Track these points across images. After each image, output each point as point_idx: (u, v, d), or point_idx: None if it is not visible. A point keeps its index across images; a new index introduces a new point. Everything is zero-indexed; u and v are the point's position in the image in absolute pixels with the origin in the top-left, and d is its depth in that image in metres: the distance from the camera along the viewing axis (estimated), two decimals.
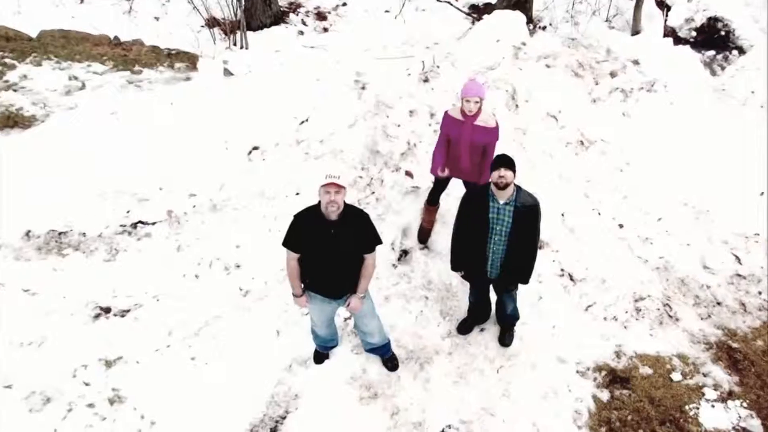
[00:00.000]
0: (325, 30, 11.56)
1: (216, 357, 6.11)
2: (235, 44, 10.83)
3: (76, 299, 6.51)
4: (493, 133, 6.01)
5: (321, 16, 11.88)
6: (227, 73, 9.26)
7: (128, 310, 6.48)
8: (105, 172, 7.73)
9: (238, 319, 6.40)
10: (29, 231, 7.15)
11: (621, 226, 7.21)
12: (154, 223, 7.24)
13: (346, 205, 5.03)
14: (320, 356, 6.07)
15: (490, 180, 5.14)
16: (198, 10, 11.49)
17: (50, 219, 7.23)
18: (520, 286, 5.73)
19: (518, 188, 5.26)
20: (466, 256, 5.54)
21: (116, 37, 10.73)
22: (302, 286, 5.36)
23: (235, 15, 10.90)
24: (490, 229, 5.27)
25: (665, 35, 10.86)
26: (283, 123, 7.50)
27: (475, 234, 5.34)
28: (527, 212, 5.20)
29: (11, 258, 6.89)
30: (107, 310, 6.48)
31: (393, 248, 6.70)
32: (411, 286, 6.49)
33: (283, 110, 7.64)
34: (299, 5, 12.18)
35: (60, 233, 7.11)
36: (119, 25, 11.54)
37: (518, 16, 9.32)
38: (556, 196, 7.17)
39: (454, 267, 5.71)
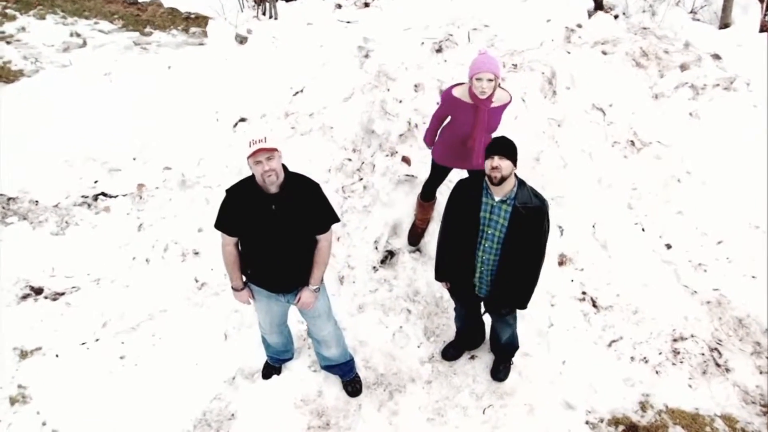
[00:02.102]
0: (366, 5, 10.67)
1: (149, 358, 5.31)
2: (264, 14, 10.14)
3: (7, 275, 5.85)
4: (506, 108, 5.05)
5: None
6: (240, 39, 8.47)
7: (62, 294, 5.76)
8: (79, 136, 7.09)
9: (185, 315, 5.59)
10: None
11: (669, 246, 6.03)
12: (116, 196, 6.46)
13: (289, 174, 4.14)
14: (270, 370, 5.18)
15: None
16: None
17: (4, 182, 6.56)
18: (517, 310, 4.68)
19: (521, 183, 4.23)
20: (452, 264, 4.54)
21: None
22: (243, 278, 4.48)
23: None
24: (480, 232, 4.28)
25: (762, 30, 9.52)
26: (277, 93, 6.65)
27: (462, 237, 4.35)
28: (528, 216, 4.16)
29: None
30: (38, 291, 5.76)
31: (376, 247, 5.73)
32: (392, 296, 5.51)
33: (281, 80, 6.79)
34: None
35: (9, 199, 6.49)
36: None
37: None
38: (589, 203, 6.08)
39: (438, 276, 4.74)
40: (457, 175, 5.32)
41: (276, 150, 3.98)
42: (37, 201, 6.49)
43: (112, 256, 6.00)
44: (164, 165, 6.74)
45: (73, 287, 5.81)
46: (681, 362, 5.32)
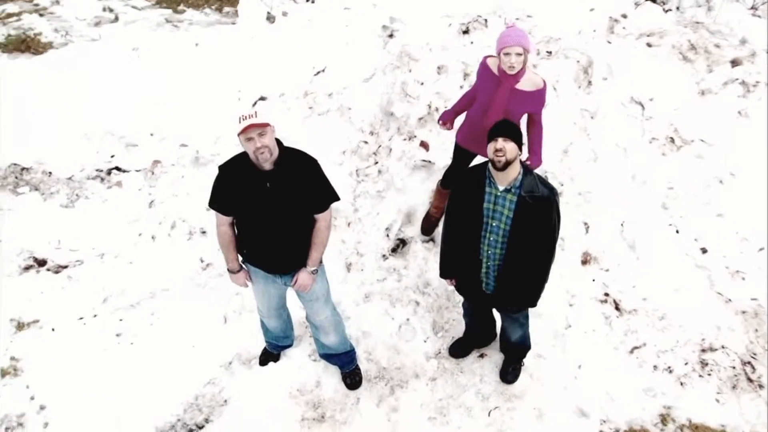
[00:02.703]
0: None
1: (146, 337, 5.18)
2: None
3: (12, 246, 5.77)
4: (539, 96, 4.70)
5: None
6: (270, 18, 8.31)
7: (65, 266, 5.66)
8: (100, 110, 6.99)
9: (187, 295, 5.44)
10: None
11: (704, 251, 5.67)
12: (128, 171, 6.35)
13: (284, 149, 3.93)
14: (268, 356, 5.00)
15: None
16: None
17: (22, 152, 6.52)
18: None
19: (526, 170, 3.92)
20: (456, 259, 4.27)
21: None
22: (239, 258, 4.29)
23: None
24: (485, 225, 3.99)
25: None
26: (299, 73, 6.46)
27: (466, 230, 4.08)
28: (535, 206, 3.85)
29: None
30: (41, 263, 5.68)
31: (387, 235, 5.49)
32: (401, 286, 5.27)
33: (304, 59, 6.60)
34: None
35: (23, 169, 6.40)
36: None
37: None
38: (619, 200, 5.75)
39: (443, 273, 4.47)
40: None
41: (268, 125, 3.77)
42: (50, 172, 6.41)
43: (119, 232, 5.89)
44: (181, 142, 6.60)
45: (77, 261, 5.71)
46: (709, 374, 4.97)
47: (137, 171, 6.40)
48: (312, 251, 4.20)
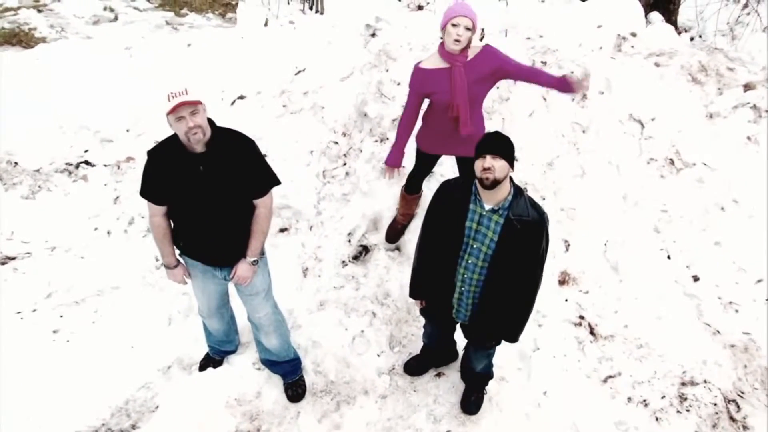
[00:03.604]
0: (420, 8, 10.32)
1: (84, 336, 4.93)
2: (311, 8, 9.92)
3: None
4: (491, 53, 4.43)
5: None
6: (266, 22, 8.18)
7: (13, 258, 5.47)
8: (81, 105, 6.85)
9: (136, 294, 5.21)
10: None
11: (696, 279, 5.30)
12: (95, 166, 6.16)
13: (217, 129, 3.69)
14: (208, 362, 4.69)
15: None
16: None
17: None
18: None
19: (517, 191, 3.59)
20: (429, 280, 3.93)
21: None
22: (176, 253, 4.04)
23: None
24: (464, 245, 3.64)
25: None
26: (281, 73, 6.24)
27: (443, 248, 3.73)
28: (524, 231, 3.50)
29: None
30: None
31: (350, 240, 5.20)
32: (358, 295, 4.96)
33: (287, 59, 6.38)
34: None
35: None
36: None
37: (632, 1, 7.56)
38: (605, 219, 5.42)
39: (413, 293, 4.13)
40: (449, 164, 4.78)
41: (200, 103, 3.55)
42: (16, 163, 6.25)
43: (76, 226, 5.69)
44: (157, 139, 6.39)
45: (27, 253, 5.52)
46: (687, 410, 4.57)
47: (105, 166, 6.22)
48: (251, 240, 3.94)
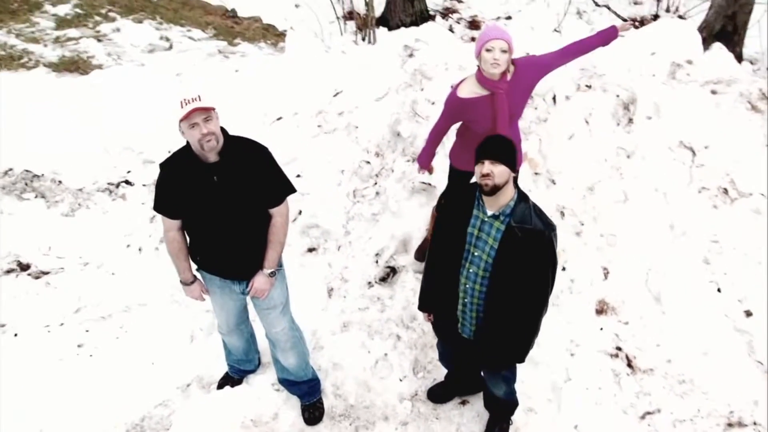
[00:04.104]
0: (473, 40, 10.26)
1: (107, 351, 4.92)
2: (363, 39, 9.96)
3: (1, 248, 5.61)
4: (525, 65, 4.26)
5: (474, 24, 10.67)
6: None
7: (47, 273, 5.53)
8: (126, 127, 6.96)
9: (161, 312, 5.18)
10: (10, 169, 6.45)
11: (749, 314, 4.97)
12: (134, 185, 6.23)
13: (230, 138, 3.63)
14: (227, 380, 4.60)
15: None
16: (340, 1, 10.69)
17: (40, 161, 6.54)
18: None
19: (521, 197, 3.41)
20: (435, 290, 3.78)
21: (233, 10, 10.38)
22: (192, 268, 4.00)
23: (367, 9, 9.98)
24: (466, 252, 3.48)
25: None
26: (321, 95, 6.21)
27: (447, 256, 3.57)
28: (525, 241, 3.31)
29: None
30: (24, 268, 5.58)
31: (377, 261, 5.07)
32: (383, 317, 4.81)
33: (330, 83, 6.36)
34: (455, 11, 11.01)
35: (34, 176, 6.37)
36: (261, 7, 10.94)
37: (689, 28, 7.32)
38: (650, 248, 5.16)
39: (421, 304, 3.97)
40: None
41: (213, 109, 3.51)
42: (60, 181, 6.37)
43: (109, 243, 5.73)
44: None
45: (61, 268, 5.57)
46: None
47: (144, 185, 6.27)
48: (268, 251, 3.85)
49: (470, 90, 4.19)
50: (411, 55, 5.98)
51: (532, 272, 3.36)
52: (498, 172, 3.23)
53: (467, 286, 3.53)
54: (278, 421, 4.38)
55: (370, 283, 4.97)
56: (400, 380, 4.56)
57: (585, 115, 5.61)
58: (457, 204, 3.54)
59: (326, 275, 5.08)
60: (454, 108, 4.27)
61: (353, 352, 4.65)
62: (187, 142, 3.62)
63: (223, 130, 3.63)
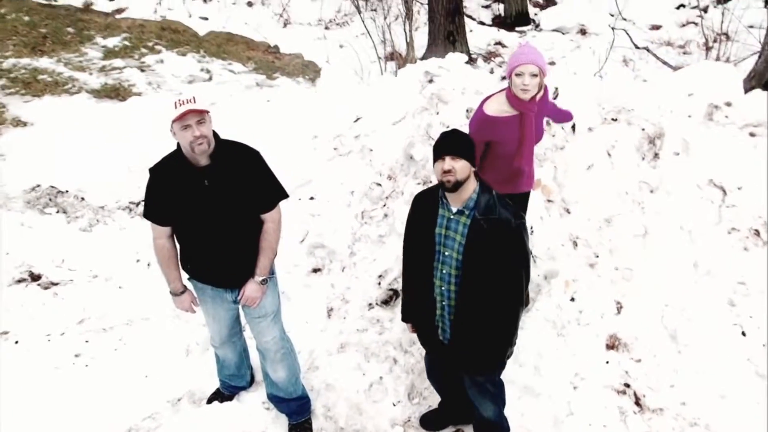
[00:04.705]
0: (503, 79, 10.24)
1: (103, 362, 4.90)
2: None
3: (16, 259, 5.71)
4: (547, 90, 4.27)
5: None
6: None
7: (56, 284, 5.56)
8: (154, 150, 6.99)
9: (161, 326, 5.13)
10: (38, 185, 6.58)
11: None
12: None
13: (221, 141, 3.59)
14: (217, 396, 4.50)
15: None
16: (382, 42, 10.80)
17: (67, 178, 6.67)
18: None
19: (483, 188, 3.34)
20: (413, 298, 3.69)
21: (275, 46, 10.57)
22: (182, 278, 3.97)
23: (407, 50, 10.06)
24: (437, 254, 3.42)
25: None
26: (342, 120, 6.20)
27: (419, 261, 3.52)
28: (492, 232, 3.23)
29: None
30: (35, 278, 5.63)
31: (379, 283, 4.94)
32: (381, 339, 4.66)
33: (353, 110, 6.35)
34: (497, 55, 11.00)
35: (58, 192, 6.48)
36: (304, 45, 11.13)
37: (730, 71, 7.11)
38: (668, 285, 4.93)
39: (403, 314, 3.88)
40: None
41: (207, 112, 3.51)
42: (83, 198, 6.46)
43: (120, 257, 5.75)
44: None
45: (70, 280, 5.59)
46: None
47: None
48: (260, 257, 3.79)
49: (498, 108, 4.12)
50: (431, 81, 5.93)
51: (501, 264, 3.27)
52: (459, 167, 3.19)
53: (442, 288, 3.45)
54: None
55: (371, 304, 4.85)
56: (394, 405, 4.40)
57: (607, 146, 5.45)
58: (421, 206, 3.48)
59: (328, 295, 4.98)
60: (483, 125, 4.14)
61: (348, 374, 4.52)
62: (178, 145, 3.61)
63: (215, 133, 3.61)
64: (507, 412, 4.03)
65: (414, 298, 3.66)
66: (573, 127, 5.55)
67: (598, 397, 4.34)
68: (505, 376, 3.92)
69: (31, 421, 4.41)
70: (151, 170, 3.73)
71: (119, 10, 11.96)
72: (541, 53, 4.02)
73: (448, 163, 3.18)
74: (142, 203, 6.31)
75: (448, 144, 3.23)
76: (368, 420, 4.31)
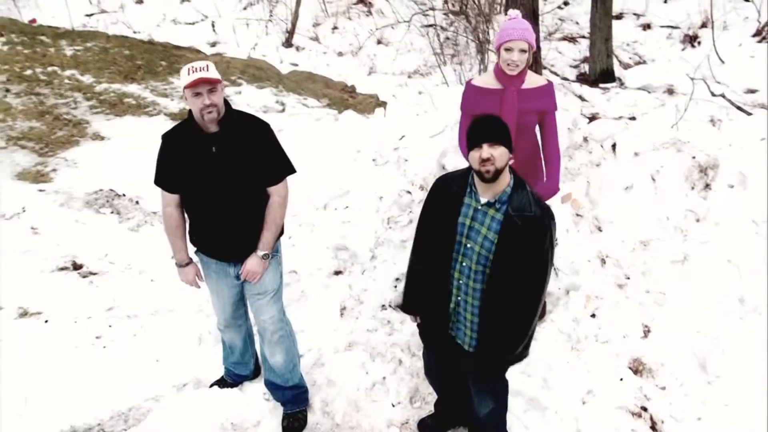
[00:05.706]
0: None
1: (120, 345, 4.96)
2: None
3: (64, 250, 5.92)
4: (548, 91, 4.08)
5: (593, 119, 10.39)
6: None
7: (95, 274, 5.69)
8: None
9: (184, 317, 5.15)
10: (100, 189, 6.88)
11: None
12: None
13: (231, 111, 3.66)
14: (220, 383, 4.49)
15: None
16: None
17: (125, 184, 6.87)
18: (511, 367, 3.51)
19: (518, 182, 3.13)
20: (423, 288, 3.48)
21: (352, 86, 10.72)
22: (188, 250, 4.04)
23: None
24: (457, 245, 3.21)
25: None
26: (389, 138, 6.24)
27: (436, 250, 3.31)
28: (525, 229, 3.03)
29: (59, 203, 6.60)
30: (77, 267, 5.81)
31: (395, 286, 4.82)
32: (388, 340, 4.55)
33: (400, 130, 6.40)
34: None
35: (116, 195, 6.72)
36: (381, 87, 11.28)
37: None
38: (708, 315, 4.61)
39: (405, 305, 3.69)
40: None
41: (219, 81, 3.59)
42: (137, 202, 6.67)
43: (157, 253, 5.83)
44: None
45: (108, 271, 5.72)
46: None
47: None
48: (264, 231, 3.79)
49: (485, 81, 4.13)
50: None
51: (532, 263, 3.07)
52: (498, 154, 2.98)
53: (461, 282, 3.24)
54: (259, 429, 4.17)
55: (384, 306, 4.75)
56: (393, 406, 4.25)
57: (652, 171, 5.24)
58: (444, 191, 3.29)
59: (340, 293, 4.93)
60: (469, 96, 4.17)
61: (351, 372, 4.41)
62: (190, 112, 3.69)
63: (226, 102, 3.68)
64: (510, 423, 3.84)
65: (423, 288, 3.47)
66: (613, 146, 5.37)
67: (609, 416, 4.06)
68: (512, 387, 3.76)
69: (42, 389, 4.50)
70: (164, 136, 3.83)
71: (217, 54, 12.51)
72: (530, 27, 3.94)
73: (486, 150, 2.96)
74: None
75: (486, 130, 3.01)
76: (364, 418, 4.18)
